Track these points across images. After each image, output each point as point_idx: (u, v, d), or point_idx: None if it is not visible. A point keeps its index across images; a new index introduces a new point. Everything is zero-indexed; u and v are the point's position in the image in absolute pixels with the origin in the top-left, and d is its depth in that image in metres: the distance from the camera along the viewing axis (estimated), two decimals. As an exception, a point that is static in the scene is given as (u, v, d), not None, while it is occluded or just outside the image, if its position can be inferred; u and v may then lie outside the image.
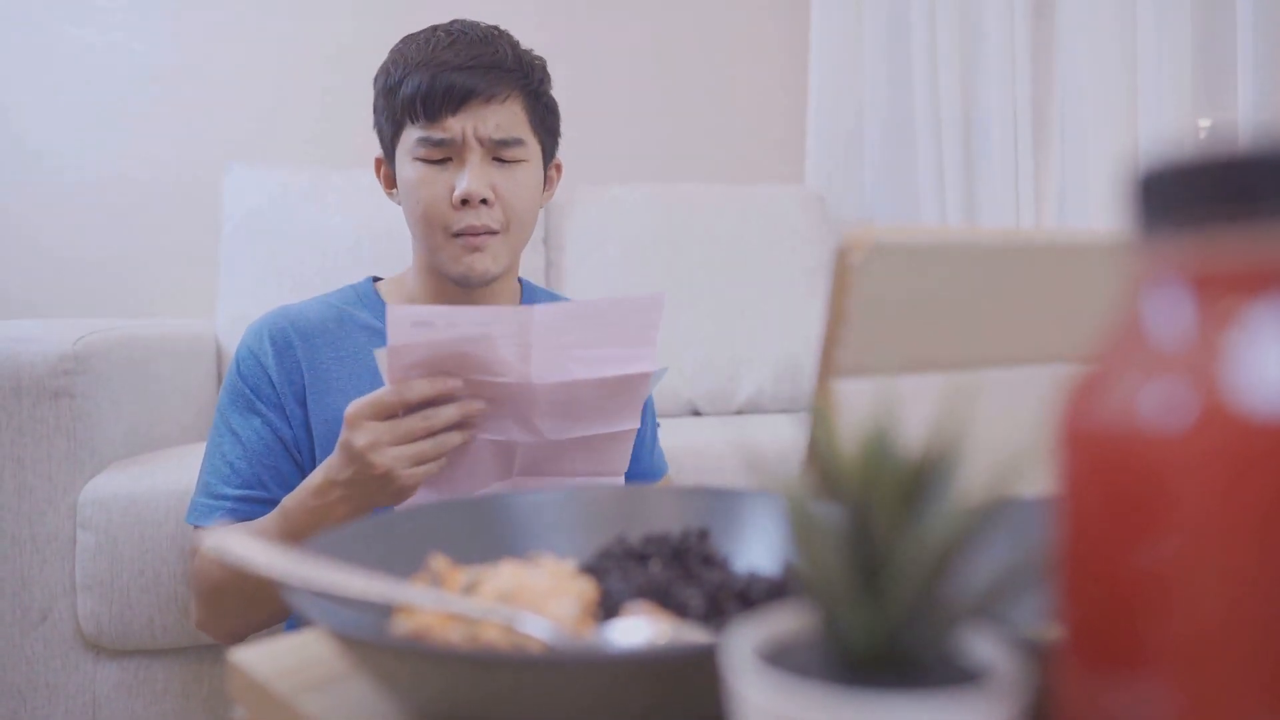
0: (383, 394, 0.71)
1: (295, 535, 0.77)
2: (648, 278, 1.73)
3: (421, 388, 0.70)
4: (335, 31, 1.89)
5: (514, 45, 0.94)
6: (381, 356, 0.69)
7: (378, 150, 0.99)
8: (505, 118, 0.91)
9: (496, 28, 0.96)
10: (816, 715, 0.22)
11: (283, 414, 0.91)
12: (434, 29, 0.93)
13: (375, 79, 0.95)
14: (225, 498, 0.88)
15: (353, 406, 0.72)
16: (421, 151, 0.90)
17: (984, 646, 0.25)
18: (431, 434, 0.72)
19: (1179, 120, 1.39)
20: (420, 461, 0.73)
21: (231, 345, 1.49)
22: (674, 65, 2.15)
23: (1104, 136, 1.54)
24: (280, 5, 1.86)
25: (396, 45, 0.95)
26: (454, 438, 0.74)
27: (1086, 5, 1.55)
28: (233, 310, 1.55)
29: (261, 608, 0.88)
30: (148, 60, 1.78)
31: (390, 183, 0.98)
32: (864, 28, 2.04)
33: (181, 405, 1.38)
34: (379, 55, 0.96)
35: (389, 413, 0.72)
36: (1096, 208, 1.55)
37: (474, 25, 0.94)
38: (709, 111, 2.18)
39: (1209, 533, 0.20)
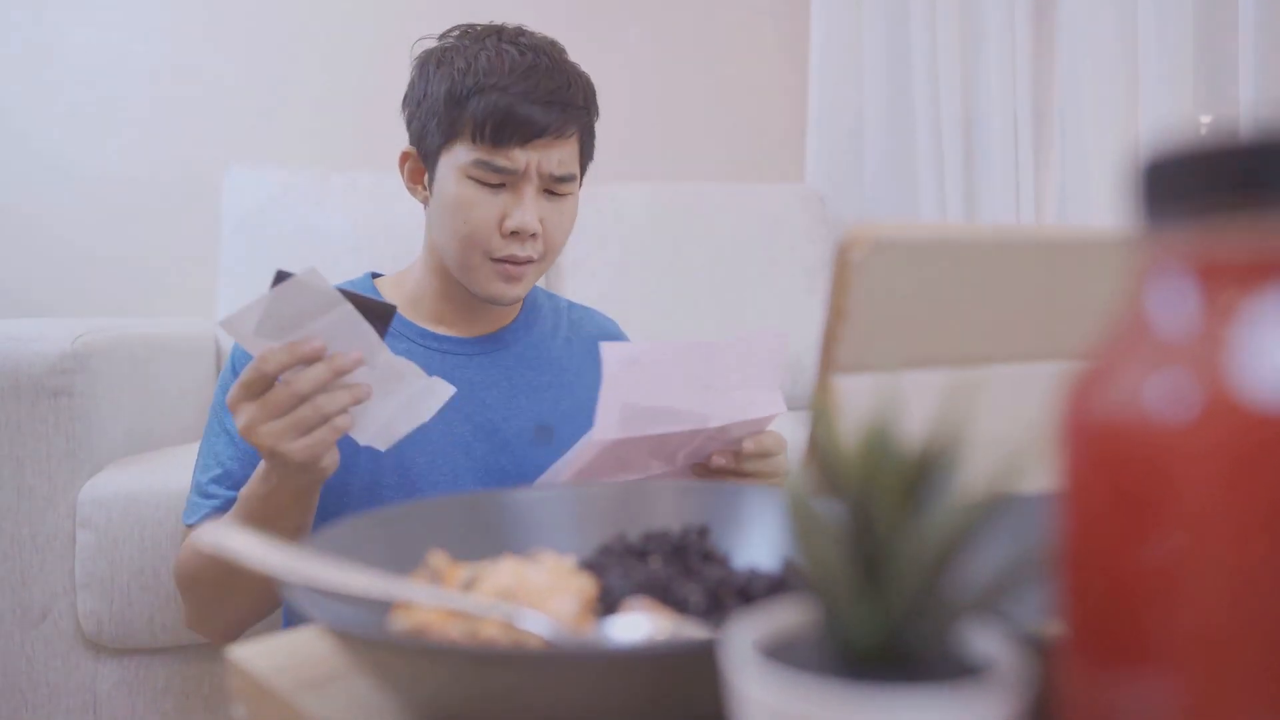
0: (245, 371, 0.69)
1: (252, 522, 0.76)
2: (648, 276, 1.73)
3: (278, 355, 0.68)
4: (335, 32, 1.88)
5: (579, 75, 0.93)
6: (236, 333, 0.68)
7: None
8: (566, 154, 0.90)
9: (559, 50, 0.93)
10: (817, 711, 0.22)
11: None
12: (499, 37, 0.90)
13: (425, 67, 0.92)
14: (218, 497, 0.88)
15: (228, 393, 0.71)
16: (477, 173, 0.88)
17: (986, 642, 0.25)
18: (303, 399, 0.69)
19: (1180, 117, 1.39)
20: (304, 430, 0.69)
21: (230, 345, 1.49)
22: (674, 65, 2.15)
23: (1104, 133, 1.54)
24: (280, 6, 1.85)
25: (458, 40, 0.91)
26: (340, 397, 0.70)
27: (1087, 2, 1.55)
28: (232, 310, 1.54)
29: (240, 598, 0.87)
30: (148, 60, 1.78)
31: (417, 178, 0.95)
32: (864, 27, 2.04)
33: (181, 404, 1.38)
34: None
35: (259, 389, 0.69)
36: (1097, 204, 1.55)
37: (541, 46, 0.91)
38: (709, 111, 2.18)
39: (1214, 526, 0.20)
